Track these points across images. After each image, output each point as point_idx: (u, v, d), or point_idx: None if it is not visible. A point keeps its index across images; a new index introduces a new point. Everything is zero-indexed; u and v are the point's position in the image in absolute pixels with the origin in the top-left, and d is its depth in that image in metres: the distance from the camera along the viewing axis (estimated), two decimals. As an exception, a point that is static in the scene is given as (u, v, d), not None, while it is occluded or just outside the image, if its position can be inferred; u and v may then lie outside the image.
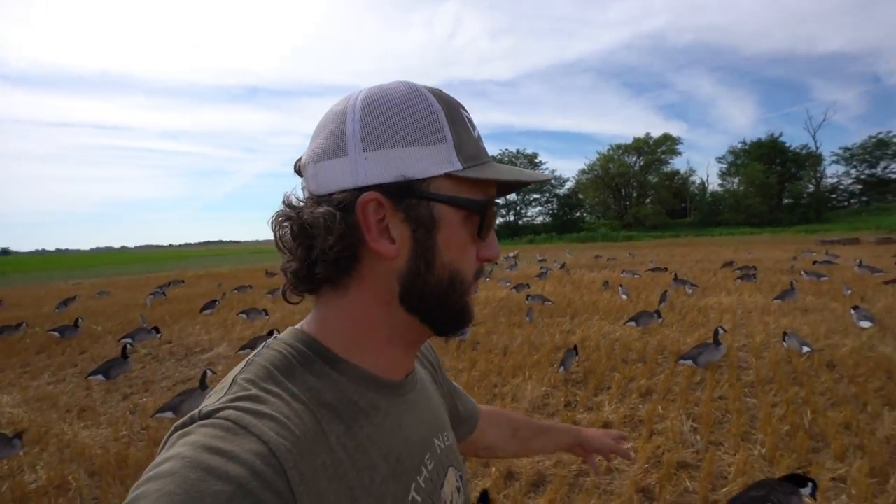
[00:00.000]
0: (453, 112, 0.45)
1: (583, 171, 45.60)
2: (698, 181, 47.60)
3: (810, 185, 40.32)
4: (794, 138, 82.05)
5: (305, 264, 0.42)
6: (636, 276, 10.72)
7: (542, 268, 13.19)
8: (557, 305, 7.62)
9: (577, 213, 46.12)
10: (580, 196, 46.08)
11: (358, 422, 0.42)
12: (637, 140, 43.71)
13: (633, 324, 5.70)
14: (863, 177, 40.03)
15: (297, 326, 0.47)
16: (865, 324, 5.30)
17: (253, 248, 74.36)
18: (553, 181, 45.69)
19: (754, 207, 36.23)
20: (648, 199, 43.90)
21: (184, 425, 0.35)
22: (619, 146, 44.82)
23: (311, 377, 0.42)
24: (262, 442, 0.33)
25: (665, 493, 2.45)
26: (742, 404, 3.46)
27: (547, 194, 46.02)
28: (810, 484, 1.97)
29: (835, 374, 3.96)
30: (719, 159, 45.56)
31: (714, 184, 47.11)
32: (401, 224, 0.42)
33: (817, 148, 41.63)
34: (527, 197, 46.58)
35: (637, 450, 2.82)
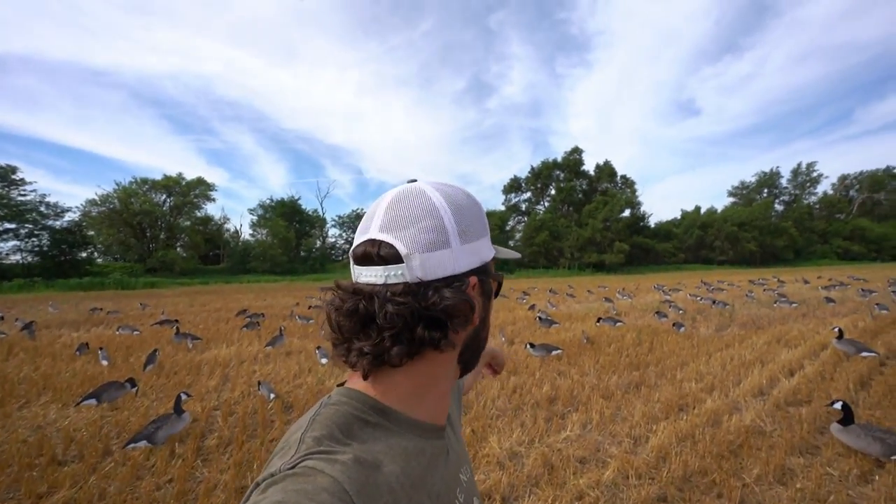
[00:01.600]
0: (482, 212, 0.60)
1: (93, 203, 36.83)
2: (233, 229, 49.39)
3: (318, 242, 50.67)
4: (309, 203, 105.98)
5: (404, 342, 0.50)
6: (136, 332, 9.06)
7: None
8: (-21, 392, 5.03)
9: (84, 254, 36.18)
10: (89, 232, 36.65)
11: (409, 464, 0.50)
12: (167, 178, 40.23)
13: (92, 401, 4.42)
14: (349, 239, 54.56)
15: (348, 385, 0.55)
16: (324, 360, 6.45)
17: None
18: (45, 209, 34.18)
19: (277, 257, 41.10)
20: (179, 243, 40.91)
21: (268, 477, 0.42)
22: (144, 181, 39.64)
23: (367, 429, 0.50)
24: (336, 481, 0.41)
25: None
26: (189, 483, 3.11)
27: (31, 225, 33.50)
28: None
29: (293, 415, 4.39)
30: (251, 211, 49.45)
31: (246, 233, 50.19)
32: (480, 297, 0.56)
33: (323, 213, 53.40)
34: (-9, 226, 32.18)
35: None
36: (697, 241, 52.19)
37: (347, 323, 0.51)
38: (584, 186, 54.16)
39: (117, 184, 38.46)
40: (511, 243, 49.89)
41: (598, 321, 9.29)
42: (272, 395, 4.64)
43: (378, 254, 0.51)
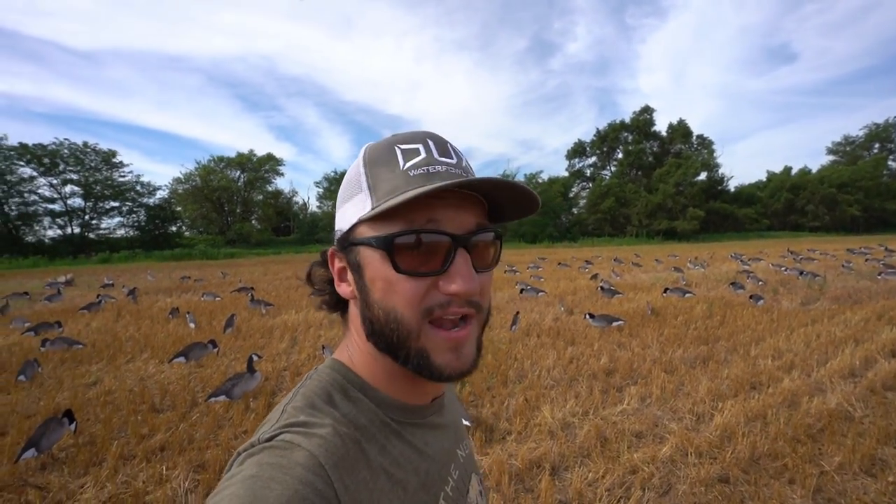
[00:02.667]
0: (378, 155, 0.49)
1: (178, 181, 40.38)
2: (301, 202, 52.04)
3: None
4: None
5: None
6: (217, 298, 9.98)
7: (99, 296, 10.23)
8: (94, 348, 5.85)
9: (173, 228, 40.15)
10: (177, 208, 40.45)
11: (390, 441, 0.48)
12: (240, 155, 42.95)
13: (181, 359, 4.96)
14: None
15: (335, 356, 0.54)
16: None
17: None
18: (140, 188, 38.08)
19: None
20: (253, 217, 43.92)
21: (248, 448, 0.42)
22: (220, 158, 42.61)
23: (348, 403, 0.48)
24: (312, 455, 0.40)
25: None
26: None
27: (130, 203, 37.62)
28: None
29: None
30: (317, 183, 51.58)
31: (314, 205, 52.64)
32: (349, 270, 0.51)
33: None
34: (100, 204, 36.53)
35: None
36: (786, 206, 47.14)
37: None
38: (654, 149, 50.44)
39: (197, 162, 41.80)
40: (574, 211, 48.10)
41: (664, 292, 8.79)
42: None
43: None
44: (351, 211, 0.49)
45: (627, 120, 51.29)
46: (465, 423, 3.33)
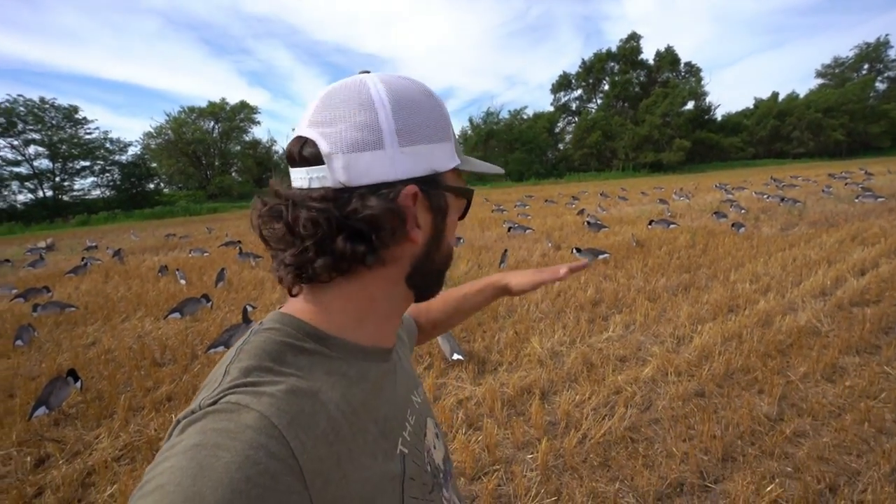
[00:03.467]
0: (446, 114, 0.51)
1: (150, 135, 38.54)
2: (280, 151, 50.33)
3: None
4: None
5: (328, 254, 0.44)
6: (205, 254, 9.92)
7: (83, 259, 10.10)
8: (87, 310, 5.87)
9: (151, 185, 38.87)
10: (152, 164, 38.94)
11: (351, 389, 0.46)
12: (212, 105, 40.65)
13: (176, 315, 5.02)
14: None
15: (282, 310, 0.49)
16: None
17: None
18: (110, 145, 36.34)
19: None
20: (233, 169, 42.59)
21: (188, 415, 0.37)
22: (192, 109, 40.49)
23: (302, 357, 0.45)
24: (263, 416, 0.36)
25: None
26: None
27: (102, 161, 36.03)
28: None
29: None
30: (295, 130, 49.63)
31: (294, 155, 50.87)
32: (426, 213, 0.48)
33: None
34: (69, 165, 34.93)
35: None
36: (771, 133, 46.92)
37: (270, 231, 0.46)
38: (641, 78, 48.90)
39: (167, 114, 39.78)
40: (560, 146, 47.37)
41: (649, 224, 8.95)
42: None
43: (300, 153, 0.46)
44: (440, 155, 0.49)
45: (614, 49, 49.21)
46: (458, 357, 3.49)
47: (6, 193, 32.82)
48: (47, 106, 33.61)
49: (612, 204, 14.50)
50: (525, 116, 45.84)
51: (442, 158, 0.49)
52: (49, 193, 34.03)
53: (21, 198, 33.49)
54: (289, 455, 0.36)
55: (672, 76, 47.96)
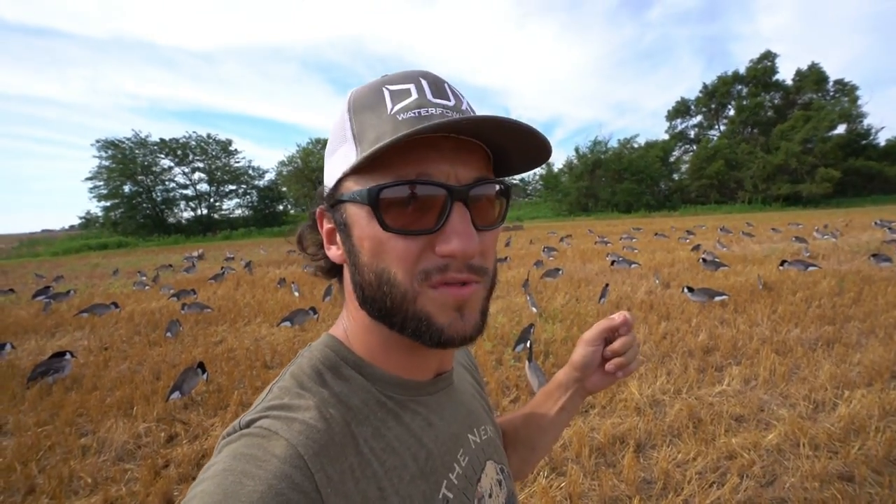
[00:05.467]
0: (364, 99, 0.43)
1: (282, 163, 44.24)
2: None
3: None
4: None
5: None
6: (318, 270, 10.92)
7: (222, 268, 11.79)
8: (220, 312, 6.79)
9: (280, 207, 44.41)
10: (283, 188, 44.56)
11: (386, 423, 0.43)
12: (335, 137, 45.44)
13: (287, 323, 5.56)
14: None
15: (330, 331, 0.49)
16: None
17: None
18: (252, 172, 42.52)
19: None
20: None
21: (229, 434, 0.39)
22: (318, 140, 45.65)
23: (340, 382, 0.44)
24: (290, 445, 0.36)
25: None
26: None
27: (244, 186, 42.32)
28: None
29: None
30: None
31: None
32: (337, 231, 0.45)
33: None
34: (221, 188, 41.55)
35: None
36: (958, 161, 38.18)
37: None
38: (775, 101, 43.58)
39: (298, 145, 45.26)
40: (675, 177, 43.83)
41: (781, 265, 7.76)
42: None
43: None
44: (336, 164, 0.44)
45: (742, 70, 44.73)
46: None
47: (176, 211, 40.07)
48: (210, 140, 40.61)
49: (735, 240, 12.90)
50: (636, 145, 43.50)
51: (336, 167, 0.44)
52: (204, 212, 40.63)
53: (186, 215, 40.62)
54: (312, 488, 0.35)
55: (816, 97, 41.98)
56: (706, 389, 3.43)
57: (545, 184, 44.17)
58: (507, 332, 5.04)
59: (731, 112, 45.24)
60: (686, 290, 5.83)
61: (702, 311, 5.43)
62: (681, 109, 48.37)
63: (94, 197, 35.69)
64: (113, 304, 7.31)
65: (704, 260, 8.36)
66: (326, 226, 0.47)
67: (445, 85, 0.44)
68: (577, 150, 42.41)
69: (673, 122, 48.75)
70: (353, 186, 0.42)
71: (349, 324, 0.48)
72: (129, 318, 6.85)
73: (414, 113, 0.40)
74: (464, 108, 0.44)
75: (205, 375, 3.80)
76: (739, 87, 45.04)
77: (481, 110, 0.44)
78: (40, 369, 4.16)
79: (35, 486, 2.68)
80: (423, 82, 0.43)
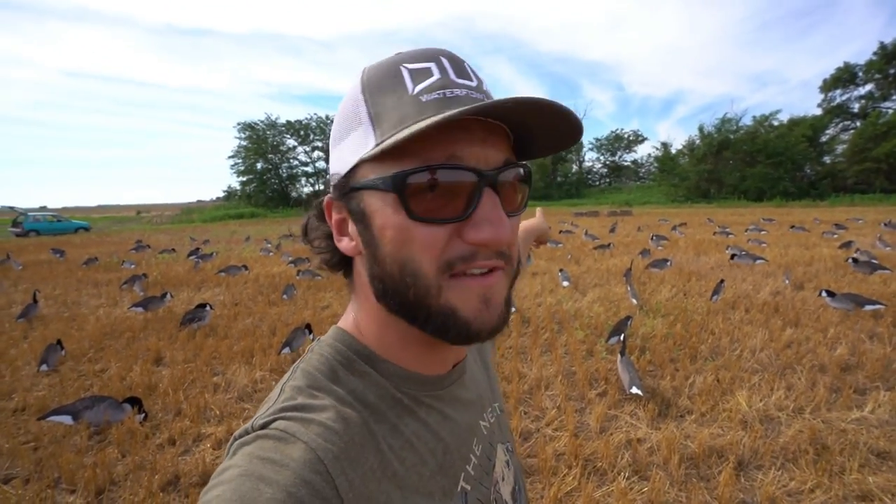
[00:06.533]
0: (380, 80, 0.40)
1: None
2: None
3: (574, 166, 49.92)
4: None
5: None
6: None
7: (333, 240, 12.93)
8: (328, 279, 7.47)
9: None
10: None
11: (403, 419, 0.42)
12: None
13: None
14: (607, 162, 51.44)
15: (339, 324, 0.47)
16: (566, 283, 6.69)
17: None
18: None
19: (534, 183, 42.99)
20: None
21: (242, 435, 0.37)
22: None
23: (354, 378, 0.42)
24: (310, 449, 0.34)
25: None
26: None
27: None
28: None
29: (528, 328, 4.80)
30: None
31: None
32: (351, 221, 0.42)
33: (580, 136, 51.96)
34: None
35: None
36: None
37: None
38: None
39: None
40: (826, 160, 36.87)
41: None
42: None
43: None
44: (349, 149, 0.41)
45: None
46: (637, 391, 3.12)
47: (297, 186, 44.66)
48: (328, 121, 44.09)
49: (905, 238, 10.57)
50: (775, 122, 37.27)
51: (349, 152, 0.41)
52: (321, 187, 44.59)
53: (306, 190, 45.06)
54: (333, 494, 0.34)
55: None
56: (839, 413, 2.92)
57: (660, 166, 40.15)
58: (602, 323, 4.80)
59: (919, 78, 36.32)
60: (825, 293, 4.96)
61: (844, 320, 4.60)
62: (843, 77, 40.03)
63: (234, 173, 41.41)
64: (244, 267, 8.46)
65: (856, 260, 7.00)
66: (336, 216, 0.44)
67: (465, 64, 0.42)
68: (700, 128, 37.68)
69: (830, 94, 40.56)
70: (373, 173, 0.39)
71: (361, 317, 0.45)
72: (255, 279, 7.88)
73: (438, 94, 0.38)
74: (485, 88, 0.42)
75: (311, 336, 4.25)
76: (935, 44, 35.82)
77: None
78: (188, 317, 5.01)
79: (181, 410, 3.27)
80: (445, 61, 0.40)
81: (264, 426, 0.36)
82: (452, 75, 0.40)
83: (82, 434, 2.92)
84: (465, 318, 0.39)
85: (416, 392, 0.44)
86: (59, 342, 4.27)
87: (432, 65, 0.40)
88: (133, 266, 9.84)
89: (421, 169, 0.37)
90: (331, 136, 0.44)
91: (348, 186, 0.41)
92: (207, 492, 0.33)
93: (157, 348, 4.46)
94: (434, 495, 0.41)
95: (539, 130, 0.41)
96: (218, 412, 3.24)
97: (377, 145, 0.38)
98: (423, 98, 0.38)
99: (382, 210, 0.39)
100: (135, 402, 3.12)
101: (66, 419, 2.99)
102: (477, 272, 0.39)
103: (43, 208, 48.29)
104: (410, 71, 0.40)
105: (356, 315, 0.46)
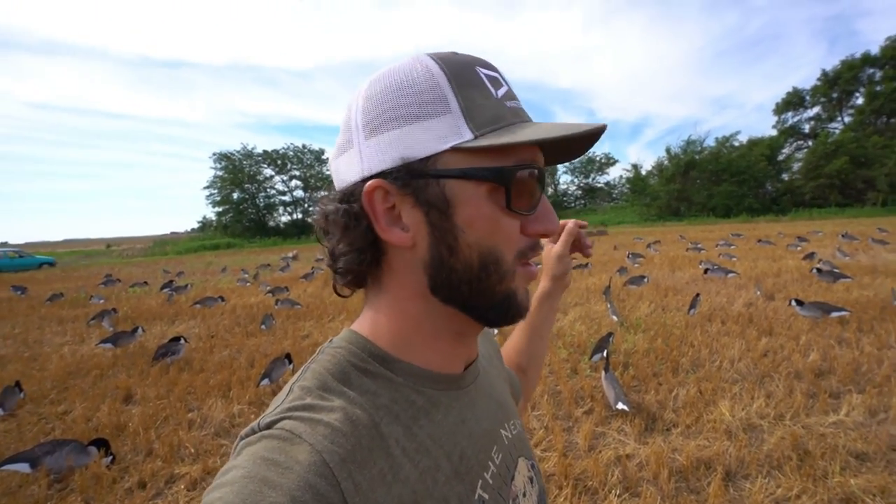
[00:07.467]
0: (463, 74, 0.40)
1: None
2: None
3: (550, 190, 51.00)
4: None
5: (333, 259, 0.42)
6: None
7: (312, 268, 12.73)
8: (308, 308, 7.33)
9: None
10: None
11: (417, 422, 0.41)
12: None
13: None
14: (581, 185, 52.79)
15: (352, 327, 0.45)
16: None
17: None
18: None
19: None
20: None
21: (248, 435, 0.36)
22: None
23: (367, 379, 0.41)
24: (315, 451, 0.34)
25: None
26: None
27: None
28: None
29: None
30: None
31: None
32: (412, 209, 0.40)
33: (550, 161, 53.25)
34: (315, 194, 44.88)
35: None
36: None
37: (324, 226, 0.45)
38: (920, 85, 36.80)
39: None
40: (784, 177, 38.82)
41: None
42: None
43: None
44: (428, 134, 0.39)
45: (875, 51, 38.49)
46: (623, 407, 3.13)
47: (275, 215, 44.17)
48: (305, 150, 44.21)
49: (861, 248, 11.12)
50: (736, 142, 39.26)
51: (423, 140, 0.39)
52: (299, 216, 44.20)
53: (283, 219, 44.57)
54: (338, 498, 0.33)
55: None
56: (817, 418, 2.99)
57: (632, 186, 41.50)
58: (585, 341, 4.82)
59: (860, 101, 39.13)
60: (794, 303, 5.14)
61: (814, 327, 4.76)
62: (793, 101, 42.84)
63: (209, 203, 40.76)
64: (220, 298, 8.23)
65: (820, 270, 7.32)
66: (385, 205, 0.40)
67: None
68: (668, 150, 39.33)
69: (783, 116, 43.31)
70: (464, 162, 0.39)
71: (382, 318, 0.44)
72: (232, 310, 7.67)
73: (513, 103, 0.42)
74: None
75: (291, 366, 4.13)
76: (871, 70, 38.80)
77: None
78: (161, 351, 4.81)
79: (152, 449, 3.10)
80: (500, 73, 0.44)
81: (270, 426, 0.36)
82: (509, 87, 0.43)
83: (41, 483, 2.72)
84: (520, 301, 0.42)
85: (434, 391, 0.43)
86: (17, 384, 4.02)
87: (497, 74, 0.43)
88: (102, 301, 9.46)
89: (526, 166, 0.40)
90: (383, 114, 0.40)
91: (426, 172, 0.39)
92: (210, 492, 0.32)
93: (127, 385, 4.25)
94: (449, 501, 0.39)
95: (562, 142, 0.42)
96: (193, 450, 3.08)
97: (476, 137, 0.38)
98: (507, 104, 0.41)
99: (474, 199, 0.39)
100: (101, 443, 2.93)
101: (23, 467, 2.78)
102: (533, 262, 0.43)
103: (4, 244, 46.17)
104: (486, 76, 0.42)
105: (375, 316, 0.44)
